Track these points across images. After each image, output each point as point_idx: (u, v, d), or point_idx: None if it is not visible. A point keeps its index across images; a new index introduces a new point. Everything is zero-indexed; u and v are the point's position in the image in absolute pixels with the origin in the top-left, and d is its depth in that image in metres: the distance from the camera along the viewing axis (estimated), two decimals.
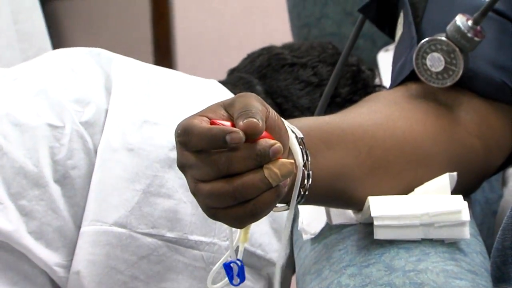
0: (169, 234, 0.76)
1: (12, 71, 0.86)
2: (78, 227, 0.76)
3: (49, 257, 0.75)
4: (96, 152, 0.77)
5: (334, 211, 0.63)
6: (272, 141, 0.45)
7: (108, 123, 0.78)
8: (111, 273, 0.76)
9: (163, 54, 2.26)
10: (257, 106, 0.45)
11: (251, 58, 1.00)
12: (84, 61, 0.83)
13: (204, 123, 0.44)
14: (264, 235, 0.80)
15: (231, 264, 0.52)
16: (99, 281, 0.75)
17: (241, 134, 0.43)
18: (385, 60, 1.09)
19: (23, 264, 0.75)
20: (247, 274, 0.55)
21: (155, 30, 2.27)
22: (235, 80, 0.96)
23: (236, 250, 0.51)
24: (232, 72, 1.00)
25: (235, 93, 0.75)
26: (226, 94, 0.84)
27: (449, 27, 0.62)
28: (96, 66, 0.82)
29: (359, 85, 0.95)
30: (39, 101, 0.79)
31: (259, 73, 0.96)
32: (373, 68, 1.02)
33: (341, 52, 0.81)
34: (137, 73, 0.84)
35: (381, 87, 0.97)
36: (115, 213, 0.76)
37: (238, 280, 0.52)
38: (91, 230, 0.76)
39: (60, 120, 0.78)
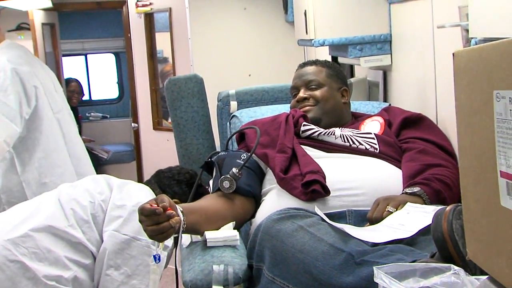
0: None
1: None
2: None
3: None
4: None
5: (194, 236, 1.74)
6: (170, 212, 1.54)
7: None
8: None
9: None
10: (166, 199, 1.55)
11: (157, 173, 2.15)
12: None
13: (147, 205, 1.53)
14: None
15: (155, 255, 1.63)
16: None
17: (161, 209, 1.52)
18: None
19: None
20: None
21: None
22: (148, 182, 2.11)
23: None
24: (150, 180, 2.15)
25: (150, 187, 1.95)
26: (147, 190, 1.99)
27: (230, 172, 1.77)
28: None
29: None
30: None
31: (155, 177, 2.13)
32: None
33: (194, 173, 2.02)
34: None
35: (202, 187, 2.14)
36: None
37: (158, 260, 1.63)
38: None
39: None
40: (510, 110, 0.68)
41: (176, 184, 2.13)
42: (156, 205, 1.50)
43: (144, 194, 1.94)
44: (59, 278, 1.79)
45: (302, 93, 2.12)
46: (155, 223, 1.48)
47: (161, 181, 2.13)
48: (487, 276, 0.79)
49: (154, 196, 1.93)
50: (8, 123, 2.26)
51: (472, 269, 1.03)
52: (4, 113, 2.26)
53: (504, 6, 1.15)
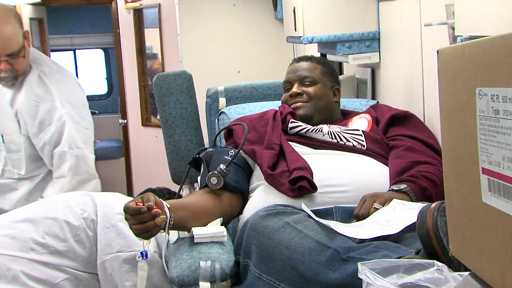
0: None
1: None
2: None
3: None
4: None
5: (181, 232, 1.73)
6: (156, 210, 1.54)
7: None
8: None
9: None
10: (152, 198, 1.54)
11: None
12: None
13: (132, 204, 1.52)
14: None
15: (143, 252, 1.63)
16: None
17: (145, 208, 1.51)
18: None
19: None
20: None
21: None
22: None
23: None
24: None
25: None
26: None
27: (218, 169, 1.78)
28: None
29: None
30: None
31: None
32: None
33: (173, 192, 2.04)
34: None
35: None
36: None
37: (145, 257, 1.62)
38: None
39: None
40: (492, 107, 0.69)
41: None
42: (141, 204, 1.50)
43: None
44: None
45: (295, 88, 2.11)
46: (140, 222, 1.48)
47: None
48: (469, 272, 0.80)
49: None
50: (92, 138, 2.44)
51: (456, 266, 1.04)
52: (90, 129, 2.42)
53: (490, 4, 1.16)
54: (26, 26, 5.10)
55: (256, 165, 1.91)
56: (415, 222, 1.21)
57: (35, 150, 2.36)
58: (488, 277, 0.74)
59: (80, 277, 1.83)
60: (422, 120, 2.06)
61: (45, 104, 2.32)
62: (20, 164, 2.32)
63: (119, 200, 1.94)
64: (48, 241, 1.81)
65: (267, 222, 1.52)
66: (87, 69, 7.25)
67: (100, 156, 6.27)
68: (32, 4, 5.13)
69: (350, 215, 1.65)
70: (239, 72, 4.08)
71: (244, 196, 1.88)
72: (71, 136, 2.32)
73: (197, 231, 1.67)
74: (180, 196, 2.07)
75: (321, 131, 1.96)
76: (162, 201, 1.59)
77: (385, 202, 1.61)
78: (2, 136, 2.34)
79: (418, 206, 1.45)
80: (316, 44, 2.69)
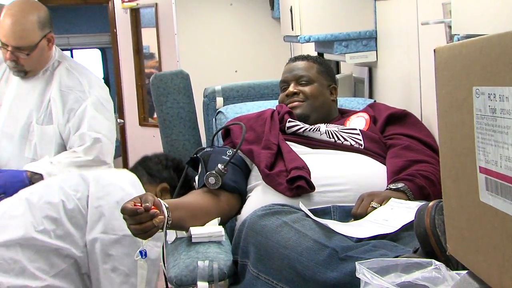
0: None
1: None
2: None
3: None
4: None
5: (179, 232, 1.73)
6: (154, 211, 1.53)
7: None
8: None
9: None
10: (150, 198, 1.54)
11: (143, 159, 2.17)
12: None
13: (130, 204, 1.52)
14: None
15: (142, 251, 1.62)
16: None
17: (143, 209, 1.50)
18: None
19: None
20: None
21: None
22: (135, 169, 2.10)
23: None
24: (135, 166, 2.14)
25: (137, 174, 1.96)
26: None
27: (216, 168, 1.77)
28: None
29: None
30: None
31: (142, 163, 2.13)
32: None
33: (180, 160, 2.02)
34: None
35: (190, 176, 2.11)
36: None
37: (144, 256, 1.62)
38: None
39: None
40: (489, 106, 0.69)
41: (165, 169, 2.10)
42: (139, 204, 1.50)
43: (126, 182, 1.91)
44: None
45: (292, 88, 2.11)
46: (137, 222, 1.48)
47: (149, 167, 2.11)
48: (466, 271, 0.80)
49: (136, 183, 1.92)
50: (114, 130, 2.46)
51: (454, 264, 1.04)
52: (112, 121, 2.44)
53: (486, 3, 1.16)
54: None
55: (254, 164, 1.91)
56: (412, 221, 1.21)
57: (63, 140, 2.39)
58: (485, 276, 0.74)
59: (80, 260, 1.82)
60: (420, 119, 2.06)
61: (74, 94, 2.37)
62: (50, 154, 2.34)
63: (111, 178, 1.93)
64: (46, 225, 1.81)
65: (265, 221, 1.52)
66: None
67: None
68: None
69: (348, 214, 1.65)
70: (236, 71, 4.08)
71: (242, 195, 1.87)
72: (93, 120, 2.35)
73: (195, 230, 1.67)
74: (187, 174, 2.05)
75: (319, 130, 1.96)
76: (161, 200, 1.59)
77: (382, 201, 1.61)
78: (33, 125, 2.35)
79: (415, 205, 1.45)
80: (313, 43, 2.69)
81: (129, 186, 1.90)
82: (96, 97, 2.38)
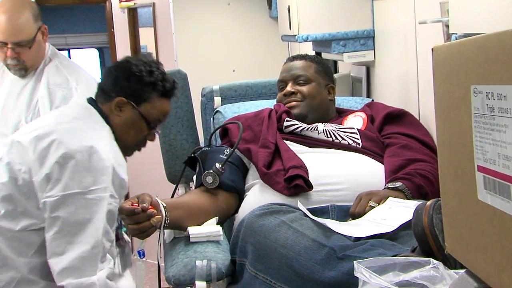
0: None
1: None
2: None
3: None
4: None
5: (177, 232, 1.73)
6: (151, 211, 1.54)
7: None
8: None
9: None
10: (148, 198, 1.55)
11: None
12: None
13: (127, 204, 1.53)
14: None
15: (140, 251, 1.62)
16: None
17: (140, 209, 1.51)
18: None
19: None
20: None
21: None
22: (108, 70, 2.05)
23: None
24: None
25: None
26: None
27: (213, 168, 1.77)
28: None
29: None
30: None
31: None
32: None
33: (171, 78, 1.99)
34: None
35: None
36: None
37: (142, 256, 1.62)
38: None
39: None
40: (487, 105, 0.69)
41: (136, 82, 1.88)
42: (136, 204, 1.50)
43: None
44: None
45: (289, 88, 2.11)
46: (135, 222, 1.49)
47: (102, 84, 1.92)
48: (464, 270, 0.80)
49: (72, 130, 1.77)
50: None
51: (452, 263, 1.04)
52: None
53: (484, 2, 1.16)
54: None
55: (251, 163, 1.91)
56: (410, 220, 1.21)
57: None
58: (484, 275, 0.74)
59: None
60: (417, 118, 2.07)
61: (62, 91, 2.36)
62: None
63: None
64: (5, 206, 1.68)
65: (263, 221, 1.52)
66: None
67: None
68: None
69: (346, 213, 1.65)
70: (234, 71, 4.08)
71: (239, 195, 1.87)
72: None
73: (192, 230, 1.67)
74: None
75: (316, 129, 1.96)
76: (159, 200, 1.59)
77: (380, 200, 1.61)
78: (22, 124, 2.34)
79: (413, 204, 1.45)
80: (311, 42, 2.69)
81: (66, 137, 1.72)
82: (82, 95, 2.29)
